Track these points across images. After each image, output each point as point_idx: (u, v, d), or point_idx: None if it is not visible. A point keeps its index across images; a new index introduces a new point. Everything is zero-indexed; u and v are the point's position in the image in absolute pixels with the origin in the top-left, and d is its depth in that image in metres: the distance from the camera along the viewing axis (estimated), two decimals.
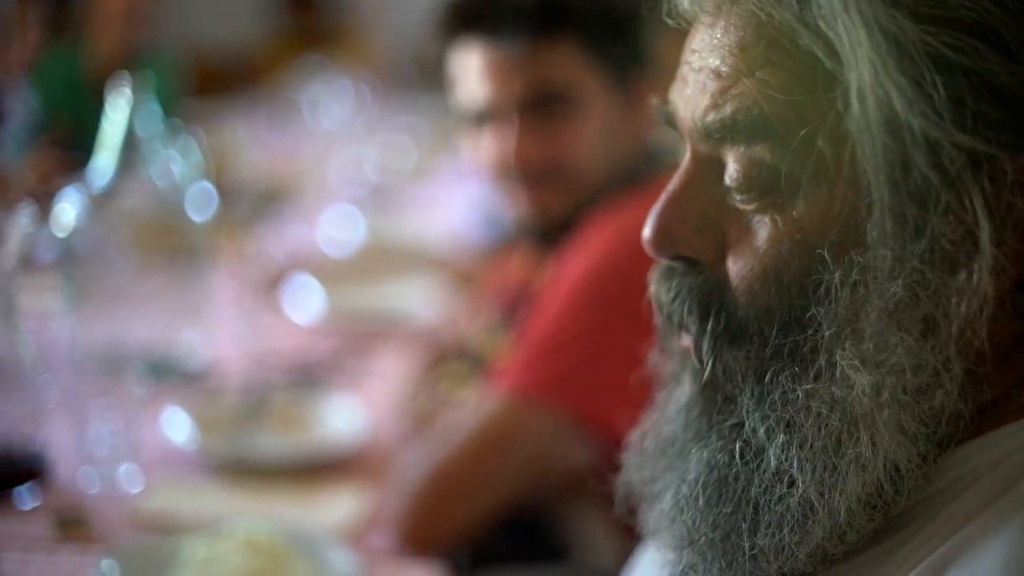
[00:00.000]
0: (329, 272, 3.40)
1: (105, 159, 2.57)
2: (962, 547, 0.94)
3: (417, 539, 1.97)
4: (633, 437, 1.22)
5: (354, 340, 2.95)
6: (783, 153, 1.00)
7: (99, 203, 2.58)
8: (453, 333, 2.72)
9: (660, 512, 1.13)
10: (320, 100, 6.01)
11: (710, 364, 1.06)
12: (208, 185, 2.89)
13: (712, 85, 1.03)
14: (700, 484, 1.07)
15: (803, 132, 0.98)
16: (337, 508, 2.09)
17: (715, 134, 1.03)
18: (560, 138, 2.22)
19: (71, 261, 2.56)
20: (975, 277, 0.95)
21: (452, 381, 2.41)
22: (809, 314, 1.00)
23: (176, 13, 8.09)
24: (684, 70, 1.07)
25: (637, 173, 2.24)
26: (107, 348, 2.57)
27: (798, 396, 1.00)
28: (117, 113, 2.55)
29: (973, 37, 0.94)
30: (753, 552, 1.03)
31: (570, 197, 2.23)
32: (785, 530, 1.01)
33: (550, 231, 2.28)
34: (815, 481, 0.99)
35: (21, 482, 2.05)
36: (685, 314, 1.07)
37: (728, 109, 1.02)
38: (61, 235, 2.51)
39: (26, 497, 2.04)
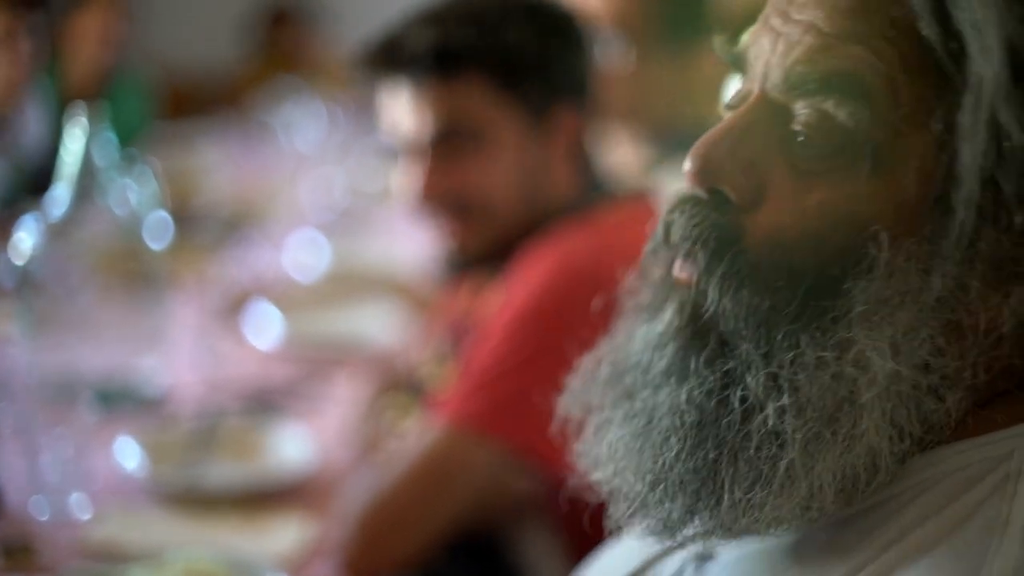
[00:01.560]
0: (291, 297, 3.41)
1: (62, 188, 2.59)
2: (892, 565, 0.97)
3: (359, 568, 1.99)
4: (584, 362, 1.22)
5: (312, 366, 2.96)
6: (871, 124, 0.99)
7: (57, 231, 2.60)
8: (405, 361, 2.74)
9: (610, 444, 1.12)
10: (293, 122, 6.01)
11: (714, 303, 1.04)
12: (164, 214, 2.90)
13: (810, 39, 1.01)
14: (677, 423, 1.05)
15: (901, 113, 0.98)
16: (284, 536, 2.11)
17: (802, 85, 1.02)
18: (467, 173, 2.25)
19: (28, 288, 2.58)
20: (1013, 299, 0.97)
21: (395, 411, 2.43)
22: (845, 285, 0.99)
23: (151, 34, 8.11)
24: (775, 19, 1.05)
25: (580, 203, 2.26)
26: (61, 375, 2.58)
27: (810, 362, 0.99)
28: (74, 142, 2.57)
29: None
30: (729, 503, 1.02)
31: (482, 231, 2.26)
32: (766, 489, 1.00)
33: (471, 263, 2.32)
34: (803, 449, 0.99)
35: None
36: (699, 244, 1.05)
37: (825, 65, 1.00)
38: (19, 263, 2.53)
39: None
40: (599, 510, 1.17)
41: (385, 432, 2.35)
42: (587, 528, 1.24)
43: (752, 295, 1.02)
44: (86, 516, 2.13)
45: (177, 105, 7.44)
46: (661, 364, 1.09)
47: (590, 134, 2.34)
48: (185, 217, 3.78)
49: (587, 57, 2.30)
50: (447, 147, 2.25)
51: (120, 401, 2.60)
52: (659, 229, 1.11)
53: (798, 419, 0.99)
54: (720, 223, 1.05)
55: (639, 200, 2.29)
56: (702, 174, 1.05)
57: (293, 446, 2.40)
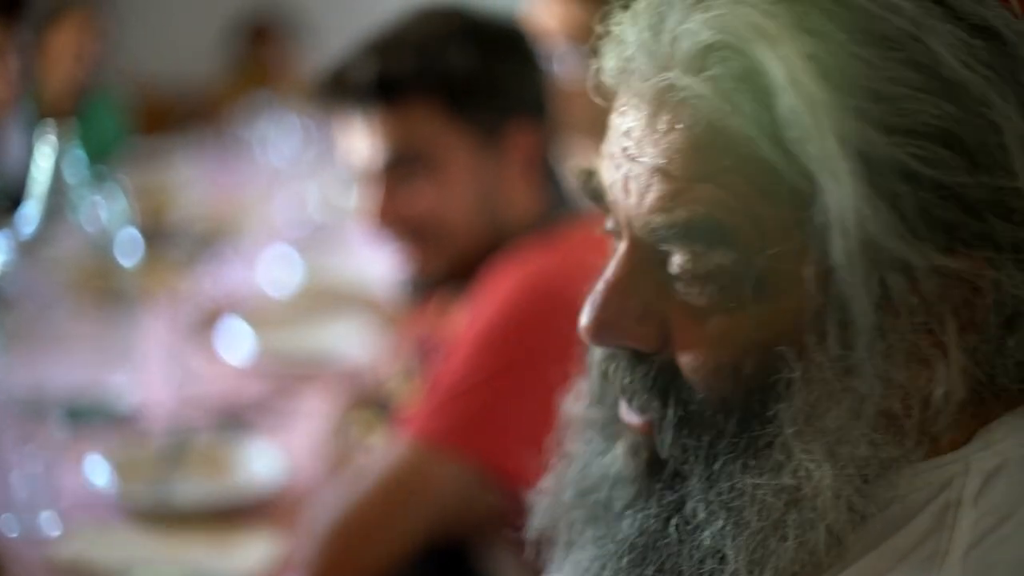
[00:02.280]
0: (263, 313, 3.42)
1: (33, 205, 2.60)
2: None
3: None
4: (545, 483, 1.21)
5: (283, 382, 2.97)
6: (743, 262, 0.98)
7: (26, 248, 2.60)
8: (372, 377, 2.75)
9: (577, 563, 1.13)
10: (268, 137, 6.01)
11: (667, 448, 1.04)
12: (134, 230, 2.91)
13: (660, 186, 1.00)
14: (628, 544, 1.06)
15: (769, 242, 0.97)
16: (253, 553, 2.11)
17: (663, 235, 1.00)
18: (420, 198, 2.27)
19: None
20: (940, 377, 0.97)
21: (361, 427, 2.44)
22: (768, 411, 0.99)
23: (127, 50, 8.10)
24: (617, 153, 1.05)
25: (544, 220, 2.27)
26: (31, 392, 2.58)
27: (747, 487, 0.99)
28: (44, 159, 2.57)
29: (938, 145, 0.94)
30: None
31: (440, 254, 2.29)
32: None
33: (432, 285, 2.34)
34: (747, 560, 0.99)
35: None
36: (645, 400, 1.05)
37: (680, 214, 0.99)
38: None
39: None
40: None
41: (352, 447, 2.36)
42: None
43: (694, 433, 1.03)
44: (55, 533, 2.13)
45: (153, 121, 7.43)
46: (620, 503, 1.10)
47: (550, 150, 2.35)
48: (158, 233, 3.78)
49: (538, 73, 2.31)
50: (399, 173, 2.27)
51: (90, 418, 2.60)
52: (595, 371, 1.13)
53: (739, 537, 0.99)
54: (650, 375, 1.05)
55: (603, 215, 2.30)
56: (601, 338, 1.06)
57: (263, 462, 2.41)
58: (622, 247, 1.05)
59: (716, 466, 1.01)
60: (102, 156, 4.61)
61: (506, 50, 2.27)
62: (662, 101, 1.01)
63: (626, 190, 1.03)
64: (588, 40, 2.88)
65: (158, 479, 2.32)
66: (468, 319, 2.15)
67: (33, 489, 2.17)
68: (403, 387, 2.41)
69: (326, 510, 2.05)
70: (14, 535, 2.11)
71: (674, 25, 1.01)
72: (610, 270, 1.06)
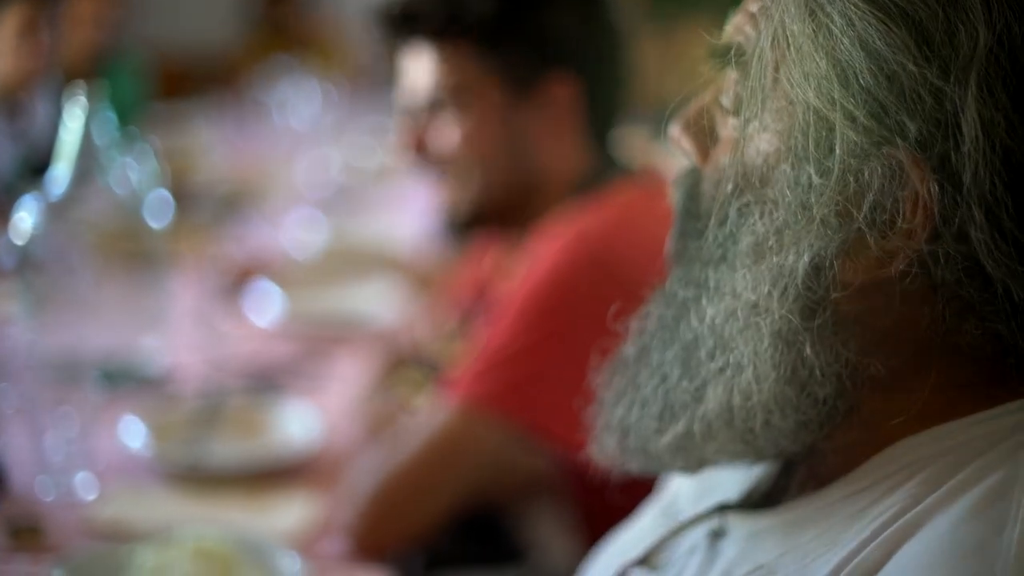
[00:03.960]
0: (290, 275, 3.41)
1: (62, 167, 2.58)
2: (913, 526, 0.97)
3: (368, 545, 1.99)
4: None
5: (313, 344, 2.96)
6: (744, 85, 1.06)
7: (57, 211, 2.59)
8: (410, 338, 2.73)
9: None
10: (288, 101, 6.00)
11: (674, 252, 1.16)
12: (165, 192, 2.90)
13: (739, 15, 1.10)
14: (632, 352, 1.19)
15: (758, 76, 1.04)
16: (290, 514, 2.11)
17: (715, 53, 1.11)
18: (448, 133, 2.29)
19: (29, 268, 2.57)
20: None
21: (407, 387, 2.43)
22: (708, 232, 1.09)
23: (147, 15, 8.09)
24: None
25: (591, 178, 2.25)
26: (64, 355, 2.58)
27: (682, 302, 1.12)
28: (73, 121, 2.56)
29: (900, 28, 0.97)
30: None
31: (467, 191, 2.31)
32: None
33: (468, 226, 2.36)
34: (682, 381, 1.09)
35: None
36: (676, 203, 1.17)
37: (727, 39, 1.10)
38: (19, 243, 2.52)
39: None
40: (613, 490, 1.22)
41: (395, 408, 2.35)
42: (600, 507, 1.25)
43: (680, 226, 1.17)
44: (92, 496, 2.13)
45: (173, 85, 7.42)
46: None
47: (602, 109, 2.32)
48: (183, 196, 3.77)
49: (595, 29, 2.29)
50: (434, 109, 2.30)
51: (123, 380, 2.59)
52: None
53: (671, 353, 1.12)
54: (694, 177, 1.16)
55: (649, 177, 2.27)
56: (680, 134, 1.17)
57: (297, 424, 2.40)
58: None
59: (676, 286, 1.13)
60: (123, 120, 4.60)
61: (560, 3, 2.25)
62: None
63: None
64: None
65: (193, 441, 2.32)
66: (516, 281, 2.14)
67: (68, 452, 2.17)
68: (450, 347, 2.39)
69: (369, 471, 2.04)
70: (50, 498, 2.10)
71: None
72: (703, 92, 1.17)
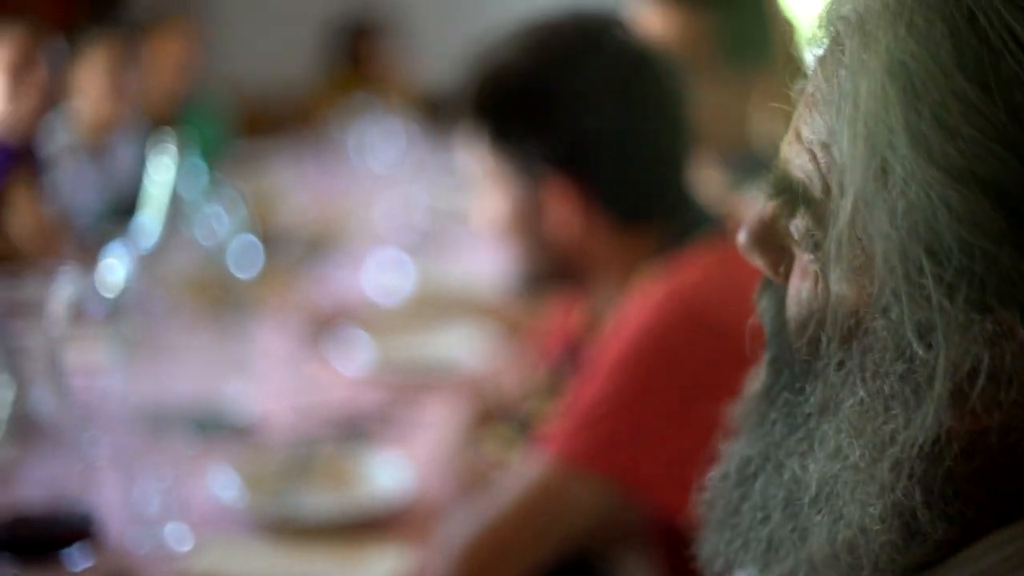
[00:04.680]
0: (376, 321, 3.40)
1: (152, 217, 2.60)
2: None
3: None
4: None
5: (401, 391, 2.95)
6: (815, 227, 1.03)
7: (146, 261, 2.60)
8: (498, 389, 2.72)
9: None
10: (368, 140, 6.02)
11: (762, 380, 1.13)
12: (253, 239, 2.90)
13: (793, 142, 1.05)
14: (730, 479, 1.14)
15: (839, 226, 1.00)
16: (382, 566, 2.09)
17: (777, 187, 1.07)
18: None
19: (118, 318, 2.59)
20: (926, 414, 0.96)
21: (497, 443, 2.42)
22: (807, 379, 1.05)
23: (225, 52, 8.15)
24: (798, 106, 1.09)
25: (675, 238, 2.23)
26: (154, 405, 2.58)
27: (781, 452, 1.07)
28: (161, 170, 2.57)
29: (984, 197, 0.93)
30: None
31: (524, 254, 2.34)
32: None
33: (525, 283, 2.40)
34: (786, 524, 1.06)
35: (70, 542, 2.06)
36: (767, 329, 1.13)
37: (784, 169, 1.05)
38: (109, 295, 2.53)
39: (75, 558, 2.05)
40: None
41: (486, 464, 2.34)
42: (687, 566, 1.24)
43: (771, 370, 1.12)
44: (185, 548, 2.12)
45: (251, 125, 7.47)
46: (747, 419, 1.17)
47: (619, 199, 2.29)
48: (266, 240, 3.78)
49: (608, 123, 2.23)
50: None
51: (213, 429, 2.60)
52: None
53: (775, 495, 1.08)
54: (777, 302, 1.11)
55: (736, 227, 2.25)
56: (745, 252, 1.13)
57: (387, 474, 2.39)
58: None
59: (773, 414, 1.09)
60: (207, 163, 4.63)
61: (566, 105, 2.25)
62: (820, 66, 1.05)
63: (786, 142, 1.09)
64: (692, 52, 2.85)
65: (284, 491, 2.31)
66: (609, 336, 2.13)
67: (161, 503, 2.16)
68: (541, 404, 2.38)
69: (461, 527, 2.03)
70: (144, 550, 2.10)
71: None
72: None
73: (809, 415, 1.05)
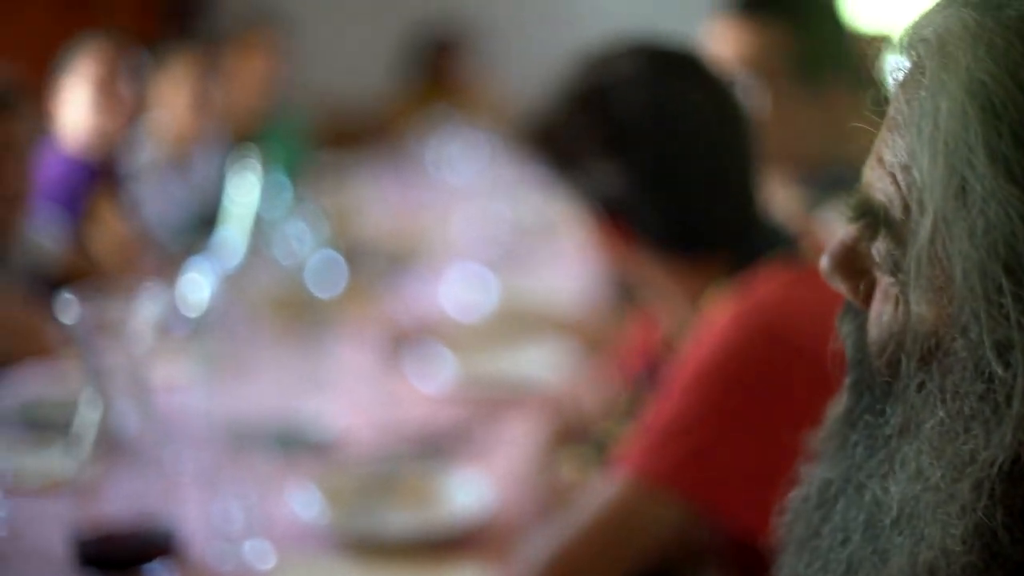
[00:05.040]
0: (457, 336, 3.40)
1: (236, 236, 2.61)
2: None
3: None
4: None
5: (482, 408, 2.94)
6: (896, 249, 1.04)
7: (228, 277, 2.62)
8: (578, 408, 2.71)
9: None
10: (447, 154, 6.02)
11: (843, 403, 1.14)
12: (336, 255, 2.91)
13: (875, 166, 1.06)
14: (811, 502, 1.15)
15: (919, 245, 1.00)
16: None
17: (858, 210, 1.07)
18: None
19: (201, 335, 2.60)
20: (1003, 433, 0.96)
21: (575, 463, 2.41)
22: (888, 400, 1.06)
23: (306, 65, 8.18)
24: (881, 129, 1.09)
25: (763, 253, 2.21)
26: (236, 421, 2.60)
27: (863, 474, 1.08)
28: (243, 187, 2.59)
29: None
30: None
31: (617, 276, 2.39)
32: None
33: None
34: (866, 547, 1.06)
35: (153, 558, 2.07)
36: (848, 351, 1.13)
37: (868, 192, 1.05)
38: (193, 314, 2.55)
39: (158, 573, 2.06)
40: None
41: (565, 483, 2.33)
42: None
43: (853, 394, 1.13)
44: (267, 565, 2.13)
45: (332, 137, 7.50)
46: (828, 442, 1.18)
47: (672, 236, 2.28)
48: (346, 254, 3.79)
49: (642, 173, 2.23)
50: None
51: (295, 446, 2.60)
52: None
53: (858, 525, 1.08)
54: (858, 326, 1.12)
55: (812, 245, 2.23)
56: (828, 277, 1.13)
57: (468, 492, 2.39)
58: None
59: (854, 439, 1.10)
60: (289, 177, 4.66)
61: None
62: (903, 89, 1.05)
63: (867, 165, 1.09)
64: (768, 68, 2.84)
65: (365, 509, 2.31)
66: (687, 354, 2.12)
67: (244, 519, 2.17)
68: (621, 427, 2.37)
69: (539, 545, 2.03)
70: (227, 567, 2.11)
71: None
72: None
73: (890, 437, 1.05)
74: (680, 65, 2.23)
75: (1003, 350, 0.94)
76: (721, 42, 2.75)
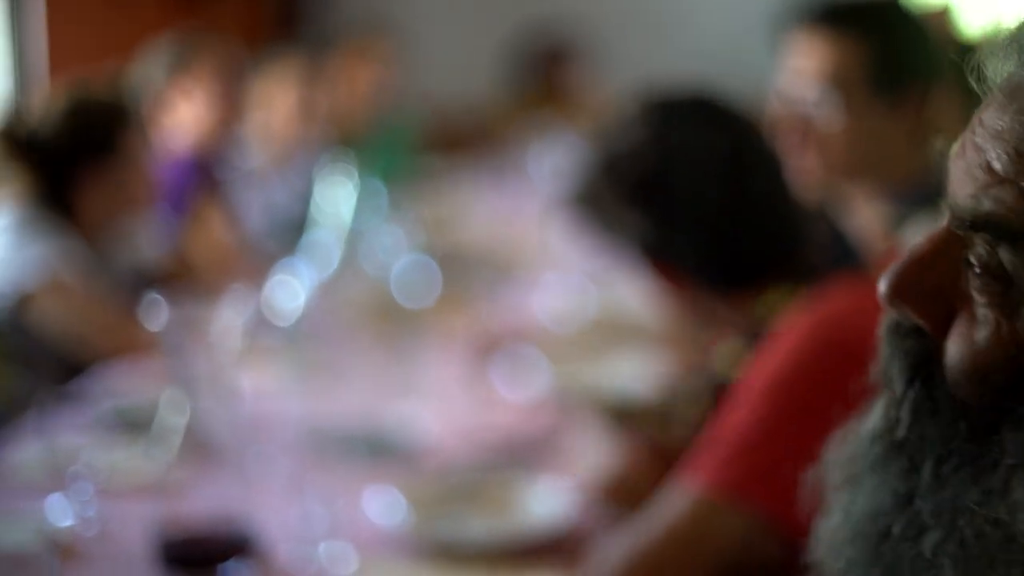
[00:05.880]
0: (551, 345, 3.40)
1: (327, 239, 2.64)
2: None
3: None
4: (835, 435, 1.24)
5: (571, 418, 2.94)
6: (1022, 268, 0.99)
7: (322, 284, 2.64)
8: (664, 421, 2.71)
9: (828, 528, 1.19)
10: (550, 162, 6.01)
11: (904, 428, 1.08)
12: (430, 262, 2.93)
13: (981, 176, 1.01)
14: (862, 527, 1.10)
15: None
16: None
17: (966, 221, 1.02)
18: None
19: (292, 340, 2.63)
20: None
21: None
22: (998, 433, 1.00)
23: (417, 72, 8.22)
24: (968, 137, 1.04)
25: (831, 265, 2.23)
26: (323, 426, 2.62)
27: (967, 503, 1.00)
28: (339, 194, 2.61)
29: None
30: None
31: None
32: None
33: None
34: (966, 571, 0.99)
35: (228, 557, 2.10)
36: (894, 373, 1.09)
37: (986, 206, 1.00)
38: (285, 319, 2.57)
39: (234, 573, 2.08)
40: None
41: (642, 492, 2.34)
42: None
43: (934, 422, 1.05)
44: (350, 569, 2.14)
45: (440, 142, 7.53)
46: (867, 462, 1.13)
47: (724, 273, 2.34)
48: (442, 261, 3.80)
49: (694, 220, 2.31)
50: None
51: (381, 452, 2.62)
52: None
53: (956, 558, 1.00)
54: (912, 349, 1.08)
55: (889, 259, 2.22)
56: (892, 301, 1.07)
57: (550, 502, 2.39)
58: (940, 226, 1.07)
59: (945, 468, 1.03)
60: (394, 184, 4.69)
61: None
62: (1015, 95, 1.01)
63: (958, 172, 1.04)
64: (846, 81, 2.80)
65: (447, 516, 2.33)
66: (755, 366, 2.11)
67: (327, 523, 2.19)
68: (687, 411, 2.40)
69: (611, 556, 2.03)
70: (309, 570, 2.13)
71: None
72: (921, 241, 1.07)
73: (997, 464, 1.00)
74: (690, 111, 2.35)
75: None
76: (799, 54, 2.72)
